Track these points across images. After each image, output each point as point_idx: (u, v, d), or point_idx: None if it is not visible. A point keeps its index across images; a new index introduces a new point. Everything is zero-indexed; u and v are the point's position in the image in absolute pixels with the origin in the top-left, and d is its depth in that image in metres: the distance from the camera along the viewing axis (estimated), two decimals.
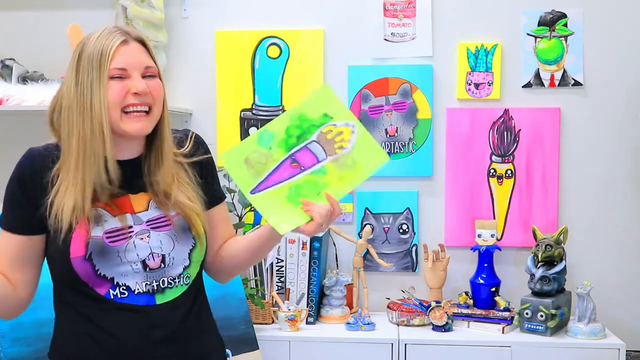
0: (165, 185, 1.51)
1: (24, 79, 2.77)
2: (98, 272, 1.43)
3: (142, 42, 1.51)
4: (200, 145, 1.63)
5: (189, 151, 1.59)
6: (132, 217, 1.48)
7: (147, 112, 1.47)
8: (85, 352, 1.46)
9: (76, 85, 1.45)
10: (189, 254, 1.51)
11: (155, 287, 1.46)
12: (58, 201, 1.43)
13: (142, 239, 1.47)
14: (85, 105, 1.44)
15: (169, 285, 1.48)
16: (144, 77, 1.47)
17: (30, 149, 1.51)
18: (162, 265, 1.47)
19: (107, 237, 1.44)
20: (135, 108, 1.45)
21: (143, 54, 1.49)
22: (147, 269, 1.46)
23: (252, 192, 1.51)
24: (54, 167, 1.47)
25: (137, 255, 1.46)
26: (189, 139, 1.61)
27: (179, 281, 1.49)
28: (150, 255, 1.47)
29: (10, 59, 2.84)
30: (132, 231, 1.47)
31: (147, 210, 1.50)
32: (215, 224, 1.63)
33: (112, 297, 1.44)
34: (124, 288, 1.44)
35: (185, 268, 1.50)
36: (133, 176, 1.52)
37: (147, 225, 1.49)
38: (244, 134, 2.96)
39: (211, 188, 1.62)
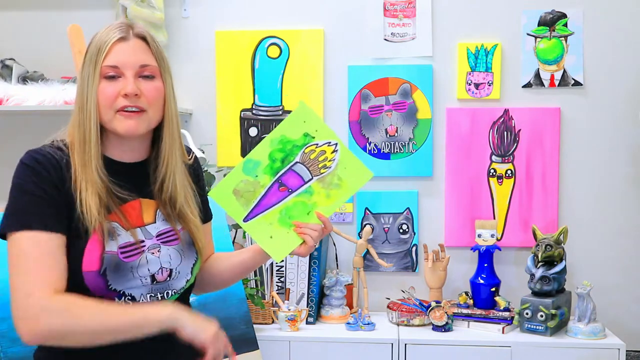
0: (171, 192, 1.49)
1: (24, 79, 2.77)
2: (110, 287, 1.41)
3: (145, 39, 1.46)
4: (199, 165, 1.66)
5: (191, 164, 1.60)
6: (142, 231, 1.46)
7: (140, 111, 1.43)
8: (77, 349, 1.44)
9: (80, 80, 1.45)
10: (192, 268, 1.52)
11: (159, 298, 1.46)
12: (83, 198, 1.39)
13: (153, 253, 1.45)
14: (83, 102, 1.42)
15: (167, 297, 1.48)
16: (140, 76, 1.43)
17: (38, 150, 1.41)
18: (168, 279, 1.47)
19: (122, 253, 1.41)
20: (128, 109, 1.42)
21: (141, 52, 1.44)
22: (155, 282, 1.46)
23: (245, 220, 1.56)
24: (70, 172, 1.41)
25: (148, 270, 1.44)
26: (190, 154, 1.62)
27: (177, 293, 1.50)
28: (160, 269, 1.46)
29: (10, 59, 2.83)
30: (144, 246, 1.45)
31: (155, 222, 1.48)
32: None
33: None
34: (129, 298, 1.44)
35: (187, 281, 1.51)
36: (141, 180, 1.50)
37: (157, 240, 1.47)
38: (244, 134, 2.96)
39: (204, 206, 1.64)
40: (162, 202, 1.50)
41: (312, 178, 1.56)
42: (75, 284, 1.40)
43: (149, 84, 1.45)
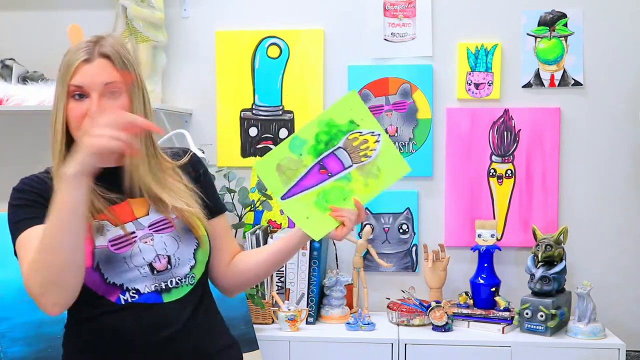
0: (147, 188, 1.51)
1: (24, 79, 2.78)
2: (107, 281, 1.43)
3: (108, 57, 1.47)
4: (196, 160, 1.66)
5: (184, 163, 1.61)
6: (134, 223, 1.49)
7: None
8: (98, 353, 1.47)
9: (54, 96, 1.50)
10: (194, 253, 1.53)
11: (164, 287, 1.47)
12: None
13: (146, 242, 1.48)
14: (53, 119, 1.48)
15: (176, 285, 1.49)
16: (106, 94, 1.46)
17: (27, 176, 1.51)
18: (169, 267, 1.49)
19: (112, 245, 1.45)
20: None
21: (105, 72, 1.46)
22: (155, 272, 1.47)
23: (283, 197, 1.58)
24: (53, 185, 1.46)
25: (144, 258, 1.46)
26: (186, 154, 1.64)
27: (184, 281, 1.50)
28: (156, 257, 1.48)
29: (10, 59, 2.84)
30: (136, 236, 1.48)
31: (148, 214, 1.51)
32: (219, 234, 1.64)
33: (122, 302, 1.45)
34: (134, 292, 1.45)
35: (191, 268, 1.52)
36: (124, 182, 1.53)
37: (150, 229, 1.50)
38: (244, 134, 2.96)
39: (211, 199, 1.64)
40: (151, 200, 1.52)
41: (352, 165, 1.58)
42: None
43: (114, 103, 1.46)
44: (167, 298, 1.48)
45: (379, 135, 1.59)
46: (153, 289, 1.46)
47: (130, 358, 1.46)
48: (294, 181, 1.57)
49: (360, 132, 1.58)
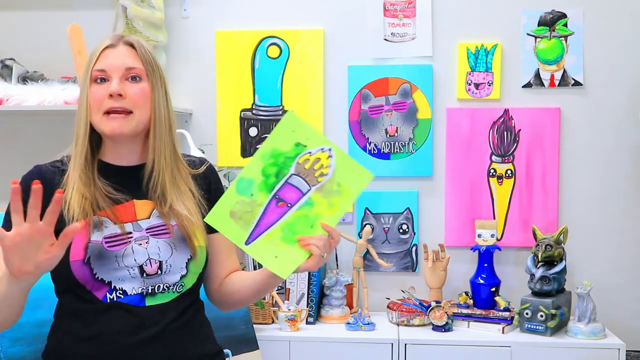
0: (161, 190, 1.52)
1: (24, 79, 2.77)
2: (96, 276, 1.45)
3: (132, 45, 1.52)
4: (211, 172, 1.66)
5: (200, 173, 1.62)
6: (133, 224, 1.50)
7: (126, 113, 1.49)
8: (72, 351, 1.47)
9: (80, 89, 1.54)
10: (187, 263, 1.52)
11: (150, 290, 1.48)
12: (67, 199, 1.46)
13: (140, 244, 1.49)
14: (80, 108, 1.51)
15: (162, 291, 1.49)
16: (126, 79, 1.50)
17: (37, 165, 1.54)
18: (159, 272, 1.49)
19: (106, 242, 1.46)
20: (114, 110, 1.48)
21: (128, 57, 1.51)
22: (144, 275, 1.47)
23: (247, 243, 1.47)
24: (62, 178, 1.50)
25: (135, 260, 1.47)
26: (203, 165, 1.65)
27: (172, 288, 1.50)
28: (148, 260, 1.48)
29: (10, 59, 2.84)
30: (131, 237, 1.48)
31: (149, 218, 1.52)
32: (219, 251, 1.63)
33: (108, 301, 1.45)
34: (121, 292, 1.46)
35: (182, 277, 1.51)
36: (137, 182, 1.54)
37: (147, 232, 1.50)
38: (244, 134, 2.96)
39: None
40: (157, 201, 1.54)
41: (310, 188, 1.47)
42: (65, 276, 1.45)
43: (135, 86, 1.51)
44: (149, 302, 1.47)
45: (330, 149, 1.47)
46: (139, 292, 1.47)
47: (106, 357, 1.45)
48: (254, 223, 1.46)
49: (310, 152, 1.47)
